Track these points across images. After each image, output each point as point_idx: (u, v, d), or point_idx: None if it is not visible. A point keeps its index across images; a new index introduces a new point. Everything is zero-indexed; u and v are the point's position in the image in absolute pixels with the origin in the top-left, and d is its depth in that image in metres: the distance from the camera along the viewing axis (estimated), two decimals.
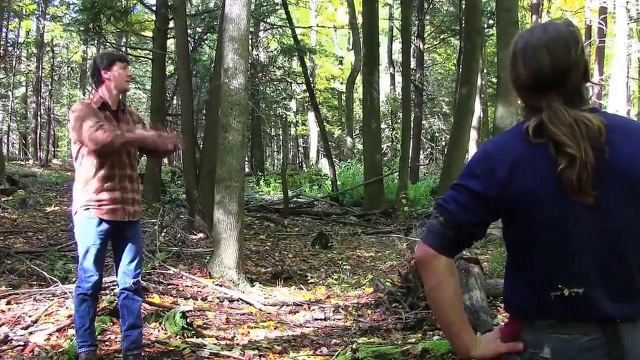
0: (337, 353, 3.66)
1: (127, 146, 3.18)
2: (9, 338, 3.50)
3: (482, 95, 18.34)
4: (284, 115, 26.76)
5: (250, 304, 5.00)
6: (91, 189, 3.13)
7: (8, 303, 4.16)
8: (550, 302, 1.29)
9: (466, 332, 1.38)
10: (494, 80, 16.66)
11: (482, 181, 1.31)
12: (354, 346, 3.59)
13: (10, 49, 20.86)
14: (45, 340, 3.56)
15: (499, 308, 4.67)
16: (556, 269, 1.29)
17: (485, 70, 18.60)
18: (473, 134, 17.35)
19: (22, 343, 3.47)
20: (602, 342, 1.26)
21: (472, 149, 19.25)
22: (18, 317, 3.86)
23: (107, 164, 3.13)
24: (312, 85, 17.39)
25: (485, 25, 17.09)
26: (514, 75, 1.36)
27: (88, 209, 3.13)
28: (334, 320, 4.76)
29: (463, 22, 14.85)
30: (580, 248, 1.28)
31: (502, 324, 1.51)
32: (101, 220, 3.13)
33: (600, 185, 1.24)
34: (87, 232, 3.14)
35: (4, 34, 18.78)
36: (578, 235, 1.28)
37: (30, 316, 3.89)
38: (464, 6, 14.73)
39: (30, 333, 3.64)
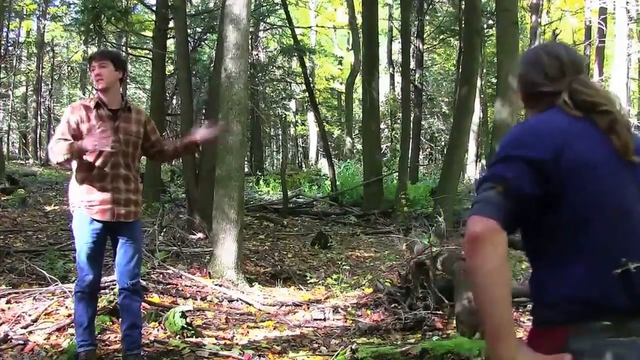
0: (336, 353, 3.67)
1: (76, 156, 3.04)
2: (9, 337, 3.51)
3: (482, 96, 18.37)
4: (284, 115, 26.78)
5: (250, 304, 5.00)
6: (83, 189, 3.14)
7: (8, 302, 4.16)
8: (612, 285, 1.16)
9: (514, 337, 1.19)
10: (494, 80, 16.66)
11: (535, 148, 1.22)
12: (353, 346, 3.60)
13: (10, 48, 20.85)
14: (44, 339, 3.56)
15: None
16: (619, 242, 1.19)
17: (484, 71, 18.61)
18: (473, 135, 17.36)
19: (21, 342, 3.47)
20: None
21: (472, 150, 19.32)
22: (18, 316, 3.86)
23: (98, 163, 3.12)
24: (311, 85, 17.39)
25: (485, 26, 17.10)
26: (538, 66, 1.41)
27: (80, 208, 3.15)
28: (333, 320, 4.76)
29: (462, 22, 14.85)
30: (638, 218, 1.22)
31: (524, 336, 1.34)
32: (93, 220, 3.13)
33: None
34: (80, 231, 3.16)
35: (4, 34, 18.76)
36: (633, 205, 1.23)
37: (30, 315, 3.89)
38: (463, 6, 14.74)
39: (30, 332, 3.64)
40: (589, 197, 1.20)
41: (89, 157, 3.09)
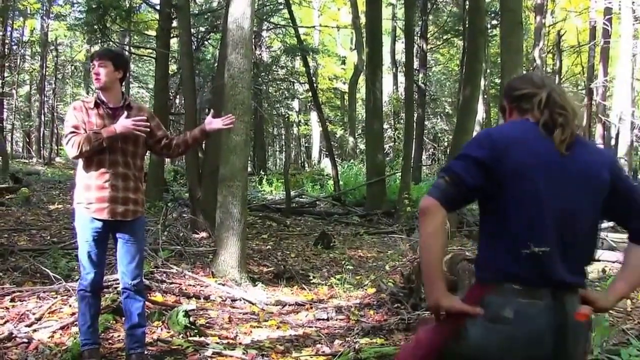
0: (339, 353, 3.67)
1: (108, 141, 3.04)
2: (13, 335, 3.52)
3: (485, 96, 18.31)
4: (287, 115, 26.76)
5: (253, 304, 5.01)
6: (82, 187, 3.15)
7: (12, 300, 4.18)
8: (521, 260, 1.54)
9: (441, 283, 1.61)
10: (497, 81, 16.62)
11: (485, 151, 1.60)
12: (356, 346, 3.60)
13: (14, 47, 20.91)
14: (49, 337, 3.57)
15: None
16: (530, 230, 1.56)
17: (488, 71, 18.57)
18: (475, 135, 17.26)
19: (26, 340, 3.48)
20: (551, 306, 1.54)
21: None
22: (22, 315, 3.88)
23: (96, 162, 3.11)
24: (314, 85, 17.40)
25: (489, 26, 17.05)
26: (525, 77, 1.83)
27: (80, 206, 3.15)
28: (336, 320, 4.76)
29: (466, 22, 14.82)
30: (549, 216, 1.57)
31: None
32: (93, 219, 3.14)
33: (567, 181, 1.59)
34: (80, 230, 3.17)
35: (8, 33, 18.82)
36: (547, 206, 1.57)
37: (34, 313, 3.91)
38: (467, 6, 14.71)
39: (34, 330, 3.65)
40: (518, 193, 1.57)
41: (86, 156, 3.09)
